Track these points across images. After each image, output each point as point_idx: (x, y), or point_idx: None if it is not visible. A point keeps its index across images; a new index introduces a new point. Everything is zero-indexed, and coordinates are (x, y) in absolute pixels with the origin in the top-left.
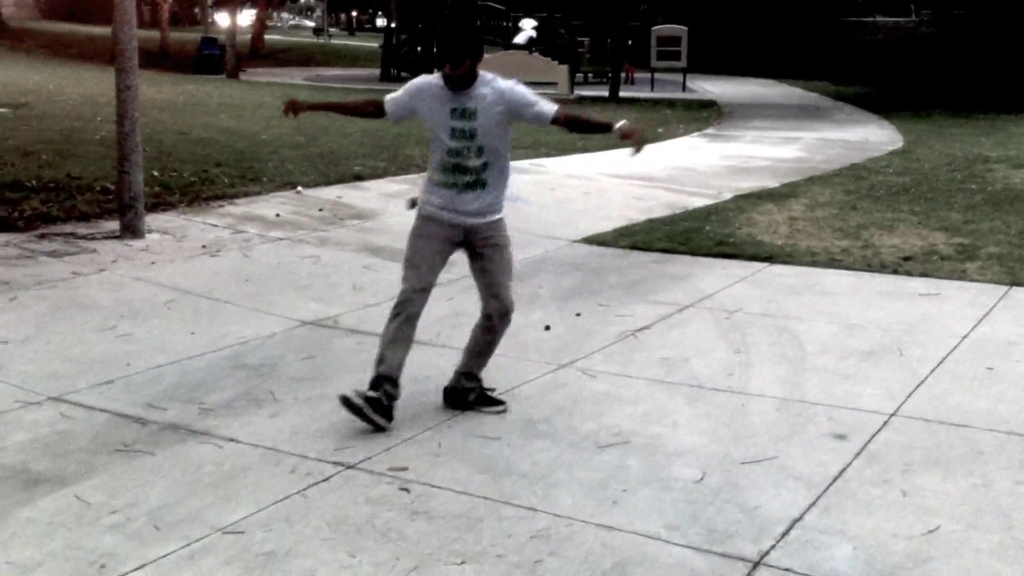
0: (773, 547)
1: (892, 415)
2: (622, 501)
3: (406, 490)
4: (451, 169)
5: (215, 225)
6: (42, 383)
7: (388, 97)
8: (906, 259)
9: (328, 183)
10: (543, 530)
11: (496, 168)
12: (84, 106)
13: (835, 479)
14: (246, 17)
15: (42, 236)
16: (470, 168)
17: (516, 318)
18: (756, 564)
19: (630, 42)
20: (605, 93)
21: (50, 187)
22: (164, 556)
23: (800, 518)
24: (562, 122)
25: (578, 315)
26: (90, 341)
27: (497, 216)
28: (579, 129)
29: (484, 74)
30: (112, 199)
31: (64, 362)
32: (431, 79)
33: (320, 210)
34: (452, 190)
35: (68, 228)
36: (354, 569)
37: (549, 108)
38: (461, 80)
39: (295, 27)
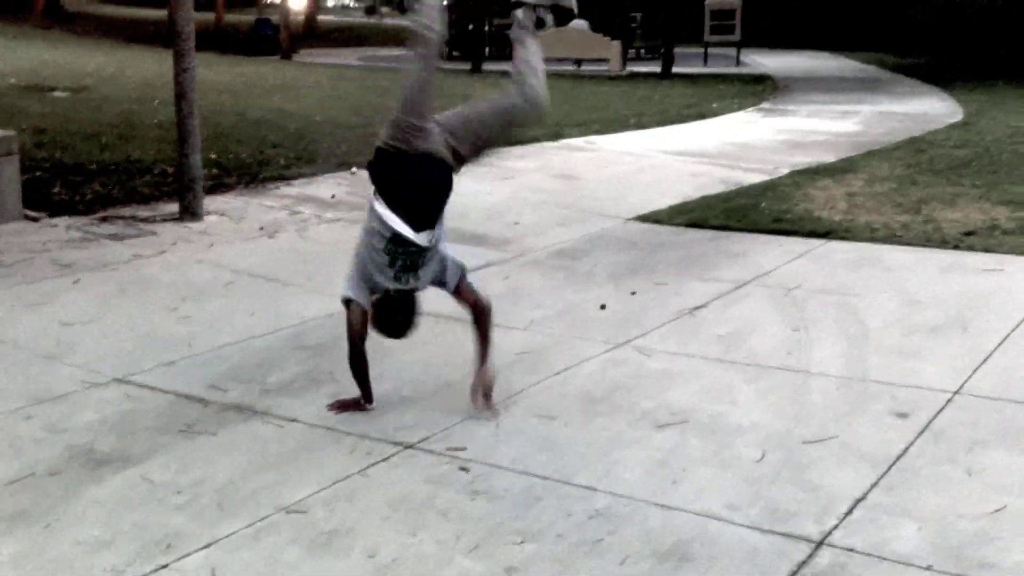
0: (836, 527)
1: (956, 392)
2: (682, 480)
3: (465, 469)
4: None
5: (272, 206)
6: (106, 364)
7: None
8: (968, 234)
9: None
10: (603, 509)
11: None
12: (142, 89)
13: (899, 458)
14: None
15: (103, 219)
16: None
17: (572, 295)
18: (819, 544)
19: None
20: (658, 69)
21: (110, 170)
22: (229, 535)
23: (863, 497)
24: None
25: (634, 293)
26: (152, 322)
27: None
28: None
29: None
30: (171, 181)
31: (127, 343)
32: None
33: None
34: None
35: (129, 211)
36: (416, 547)
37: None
38: None
39: (346, 7)
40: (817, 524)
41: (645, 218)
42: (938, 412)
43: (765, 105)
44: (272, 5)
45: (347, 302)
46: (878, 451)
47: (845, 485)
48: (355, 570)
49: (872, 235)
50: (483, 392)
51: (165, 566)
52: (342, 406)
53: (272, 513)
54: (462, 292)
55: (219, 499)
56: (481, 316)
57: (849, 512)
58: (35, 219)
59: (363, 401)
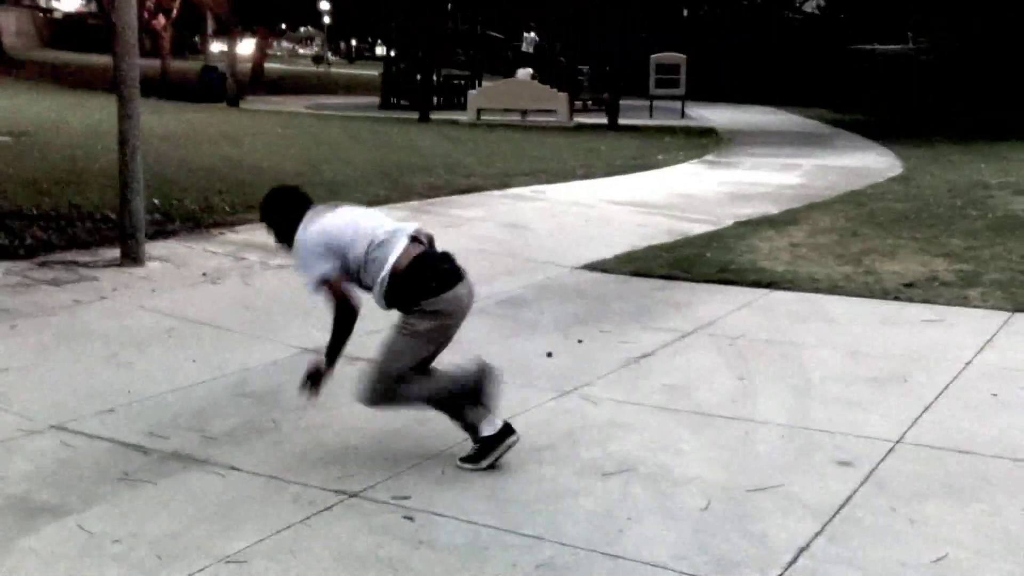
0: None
1: (898, 442)
2: (627, 529)
3: (410, 519)
4: None
5: (216, 252)
6: (44, 411)
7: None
8: (908, 285)
9: None
10: (549, 559)
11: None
12: (86, 135)
13: (841, 507)
14: (246, 46)
15: (43, 264)
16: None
17: (518, 344)
18: None
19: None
20: (604, 120)
21: (51, 215)
22: None
23: (807, 546)
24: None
25: (580, 342)
26: (92, 369)
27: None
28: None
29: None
30: (113, 227)
31: (66, 390)
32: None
33: None
34: None
35: (69, 256)
36: None
37: (308, 285)
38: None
39: (294, 55)
40: (762, 574)
41: (592, 267)
42: (880, 461)
43: (709, 157)
44: (219, 52)
45: (323, 281)
46: (822, 500)
47: (789, 534)
48: None
49: (815, 286)
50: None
51: None
52: (312, 379)
53: (211, 564)
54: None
55: (157, 550)
56: None
57: (793, 561)
58: None
59: (325, 367)
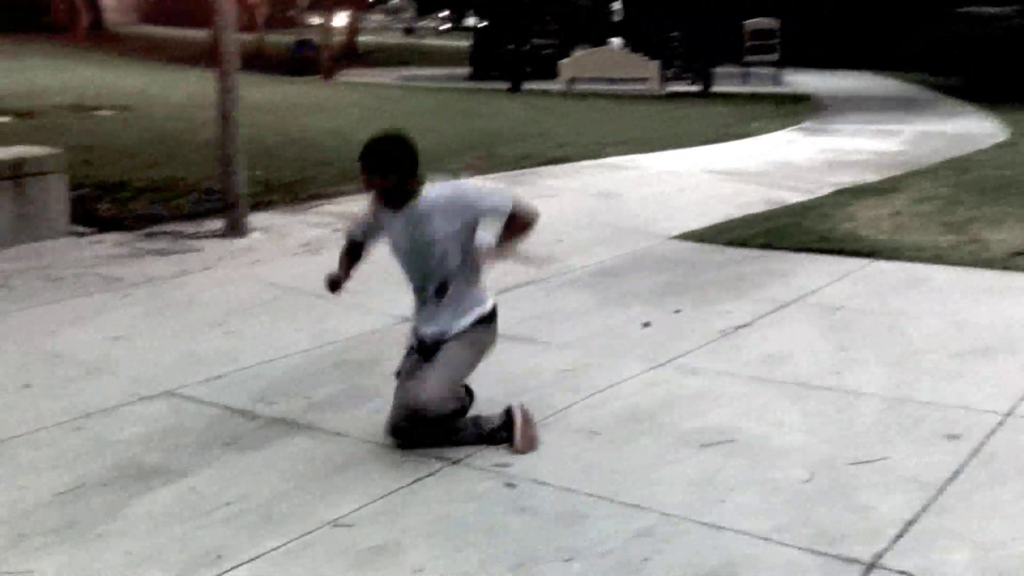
0: (887, 550)
1: (1007, 415)
2: (728, 500)
3: (511, 485)
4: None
5: (315, 224)
6: (155, 378)
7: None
8: (1016, 254)
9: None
10: (648, 528)
11: (458, 283)
12: (185, 108)
13: (949, 481)
14: (340, 19)
15: (149, 235)
16: (426, 287)
17: (614, 314)
18: (870, 566)
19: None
20: (697, 88)
21: (156, 187)
22: (276, 548)
23: (914, 520)
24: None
25: (677, 311)
26: (199, 337)
27: (461, 329)
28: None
29: (427, 186)
30: (215, 199)
31: (175, 357)
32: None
33: None
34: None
35: (174, 227)
36: (461, 564)
37: (503, 203)
38: (393, 196)
39: (385, 28)
40: (867, 547)
41: (687, 236)
42: (989, 435)
43: (805, 124)
44: (312, 26)
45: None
46: (928, 474)
47: (895, 508)
48: None
49: (918, 255)
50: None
51: None
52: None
53: (318, 527)
54: None
55: (265, 512)
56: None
57: (900, 535)
58: (83, 235)
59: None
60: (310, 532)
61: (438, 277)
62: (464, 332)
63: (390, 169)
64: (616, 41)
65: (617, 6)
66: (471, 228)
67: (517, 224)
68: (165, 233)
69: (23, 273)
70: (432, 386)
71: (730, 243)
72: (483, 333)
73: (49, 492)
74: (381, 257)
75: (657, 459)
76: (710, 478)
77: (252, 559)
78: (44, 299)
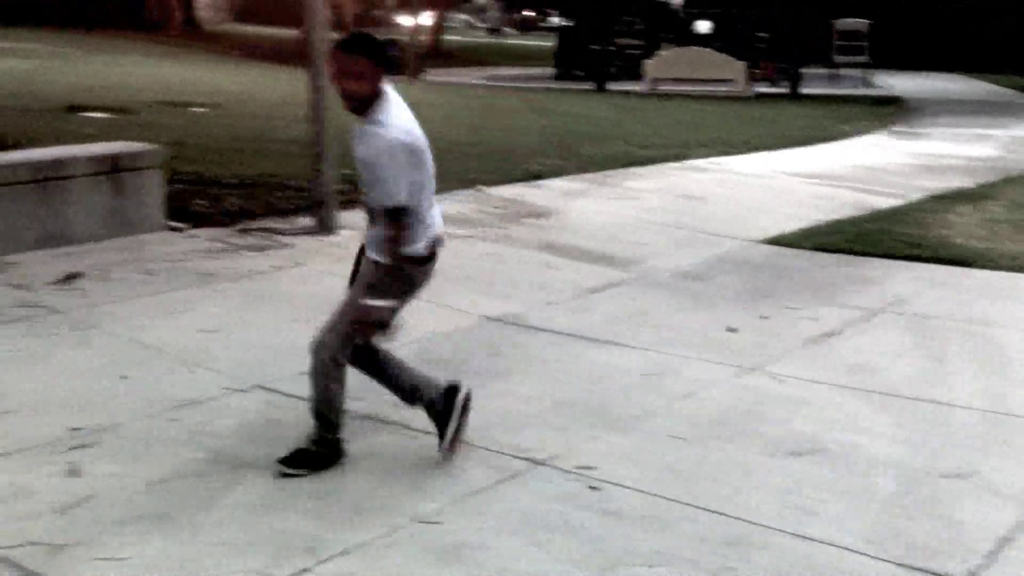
0: (982, 566)
1: None
2: (817, 511)
3: (596, 488)
4: None
5: None
6: (247, 371)
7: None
8: None
9: (507, 181)
10: (736, 536)
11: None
12: (275, 106)
13: None
14: (424, 19)
15: (243, 231)
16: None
17: (699, 318)
18: None
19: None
20: (784, 90)
21: (247, 183)
22: (365, 542)
23: (1010, 537)
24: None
25: (764, 317)
26: (290, 332)
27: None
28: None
29: (385, 108)
30: (306, 196)
31: (267, 351)
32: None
33: (500, 208)
34: None
35: (266, 223)
36: (545, 565)
37: (386, 200)
38: (355, 96)
39: (470, 27)
40: (962, 562)
41: (773, 241)
42: None
43: (896, 127)
44: (398, 25)
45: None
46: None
47: (988, 523)
48: None
49: (1014, 264)
50: None
51: (305, 570)
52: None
53: (405, 523)
54: None
55: (354, 506)
56: None
57: (995, 552)
58: (178, 230)
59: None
60: (398, 529)
61: (369, 201)
62: (371, 268)
63: (361, 50)
64: (703, 24)
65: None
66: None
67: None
68: (256, 229)
69: (121, 266)
70: (320, 330)
71: (818, 248)
72: (390, 275)
73: (145, 481)
74: (463, 256)
75: (744, 466)
76: (798, 487)
77: (342, 552)
78: (140, 292)
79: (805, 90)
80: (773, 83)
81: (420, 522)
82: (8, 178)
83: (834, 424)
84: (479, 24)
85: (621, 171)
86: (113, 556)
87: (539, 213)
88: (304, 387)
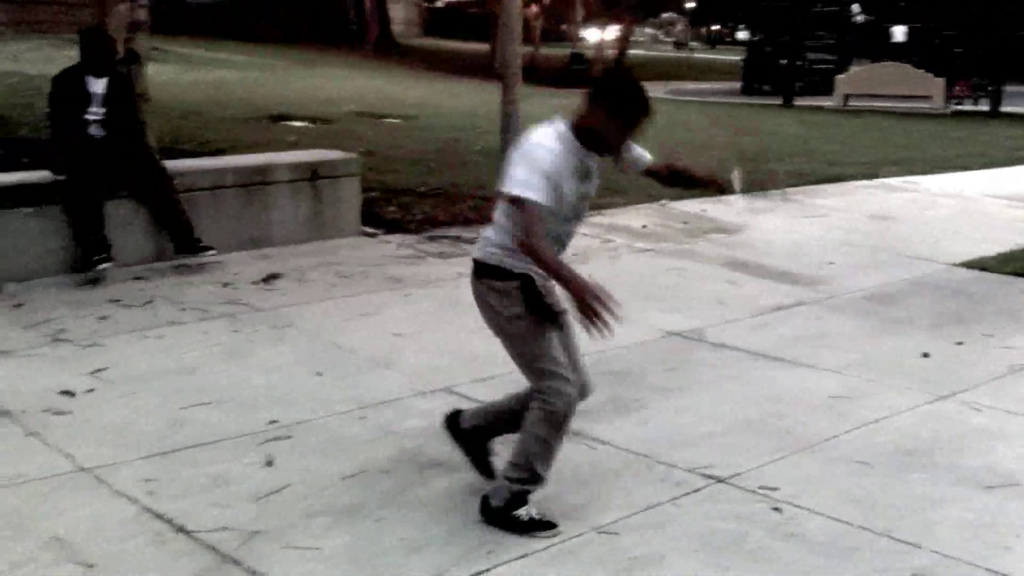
0: None
1: None
2: (1013, 546)
3: (778, 510)
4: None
5: (585, 234)
6: (431, 374)
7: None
8: None
9: (691, 196)
10: (924, 567)
11: None
12: (466, 117)
13: None
14: (611, 32)
15: (430, 238)
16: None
17: (890, 342)
18: None
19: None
20: (985, 108)
21: (437, 192)
22: (544, 549)
23: None
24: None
25: (959, 344)
26: (471, 338)
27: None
28: None
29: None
30: (491, 206)
31: (450, 356)
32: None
33: (684, 223)
34: None
35: (453, 231)
36: None
37: (506, 186)
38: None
39: (656, 41)
40: None
41: (970, 265)
42: None
43: None
44: (585, 39)
45: (522, 200)
46: None
47: None
48: None
49: None
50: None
51: (483, 572)
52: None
53: (584, 532)
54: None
55: (539, 509)
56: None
57: None
58: (371, 235)
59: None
60: (576, 536)
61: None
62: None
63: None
64: (899, 30)
65: (856, 8)
66: None
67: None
68: (445, 237)
69: (317, 268)
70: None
71: (1018, 273)
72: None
73: (336, 475)
74: (647, 271)
75: (934, 497)
76: (992, 521)
77: (520, 556)
78: (335, 294)
79: (1007, 108)
80: (974, 101)
81: (599, 532)
82: (217, 183)
83: None
84: (666, 39)
85: (809, 188)
86: (303, 546)
87: (722, 229)
88: (484, 391)
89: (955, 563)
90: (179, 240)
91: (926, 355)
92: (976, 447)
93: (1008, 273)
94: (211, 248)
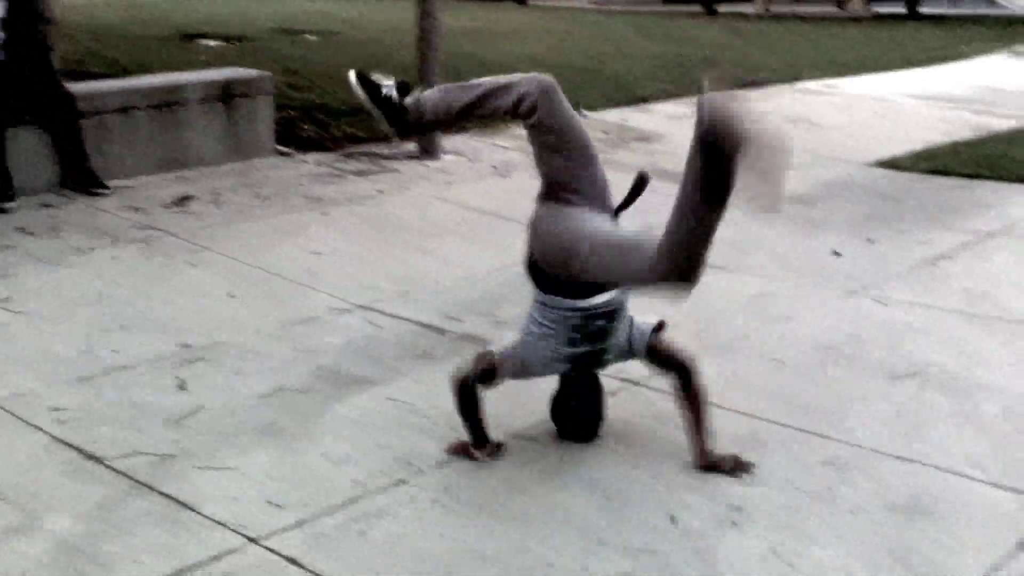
0: None
1: None
2: (920, 434)
3: None
4: None
5: (506, 147)
6: (351, 292)
7: None
8: None
9: (613, 106)
10: (835, 458)
11: None
12: (385, 33)
13: None
14: None
15: (349, 156)
16: None
17: (806, 243)
18: None
19: None
20: (903, 10)
21: (355, 110)
22: (463, 459)
23: None
24: None
25: (871, 241)
26: (394, 255)
27: None
28: None
29: None
30: None
31: (370, 273)
32: None
33: (605, 132)
34: None
35: (372, 148)
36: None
37: None
38: None
39: None
40: None
41: (887, 164)
42: None
43: (1018, 48)
44: None
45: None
46: None
47: None
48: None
49: None
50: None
51: (403, 481)
52: (452, 450)
53: (502, 440)
54: (659, 350)
55: (455, 423)
56: (688, 377)
57: None
58: (287, 155)
59: (472, 446)
60: (496, 443)
61: None
62: None
63: None
64: None
65: None
66: None
67: None
68: (363, 154)
69: (234, 189)
70: None
71: (933, 171)
72: None
73: (252, 395)
74: None
75: (846, 390)
76: (901, 411)
77: (441, 465)
78: (252, 215)
79: (925, 10)
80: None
81: (515, 438)
82: (126, 104)
83: (943, 349)
84: None
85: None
86: (221, 465)
87: (644, 137)
88: (404, 308)
89: (865, 451)
90: (72, 175)
91: (838, 253)
92: (886, 340)
93: (924, 171)
94: (106, 187)
